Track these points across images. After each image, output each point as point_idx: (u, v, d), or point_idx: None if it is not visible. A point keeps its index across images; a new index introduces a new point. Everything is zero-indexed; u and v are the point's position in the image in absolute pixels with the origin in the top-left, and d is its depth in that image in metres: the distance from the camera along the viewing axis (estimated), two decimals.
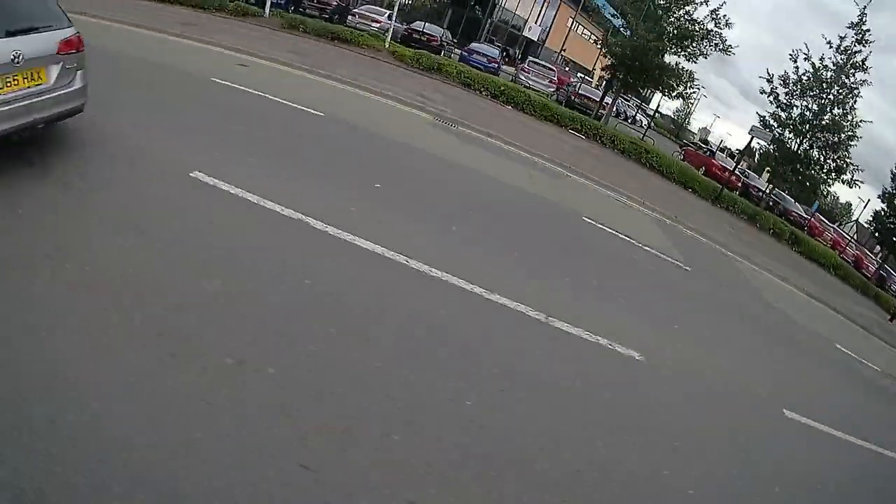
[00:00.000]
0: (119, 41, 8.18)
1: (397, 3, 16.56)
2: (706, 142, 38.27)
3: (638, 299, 5.51)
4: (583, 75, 30.13)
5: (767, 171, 19.95)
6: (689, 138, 38.45)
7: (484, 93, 14.02)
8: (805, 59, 15.50)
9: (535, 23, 36.81)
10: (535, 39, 37.20)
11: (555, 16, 37.33)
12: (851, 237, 23.11)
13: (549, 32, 37.08)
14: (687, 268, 7.38)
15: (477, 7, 31.01)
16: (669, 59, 16.38)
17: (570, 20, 36.94)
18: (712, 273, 8.14)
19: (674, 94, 16.99)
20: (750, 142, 16.32)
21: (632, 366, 3.97)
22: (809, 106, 15.79)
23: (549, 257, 5.62)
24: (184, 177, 4.02)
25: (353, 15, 18.37)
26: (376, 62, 13.67)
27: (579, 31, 39.48)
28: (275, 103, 7.05)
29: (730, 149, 39.86)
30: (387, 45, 15.52)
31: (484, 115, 11.54)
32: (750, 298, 7.92)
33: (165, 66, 7.49)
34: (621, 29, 18.74)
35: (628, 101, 20.81)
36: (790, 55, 15.79)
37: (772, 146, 16.60)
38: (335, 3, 18.58)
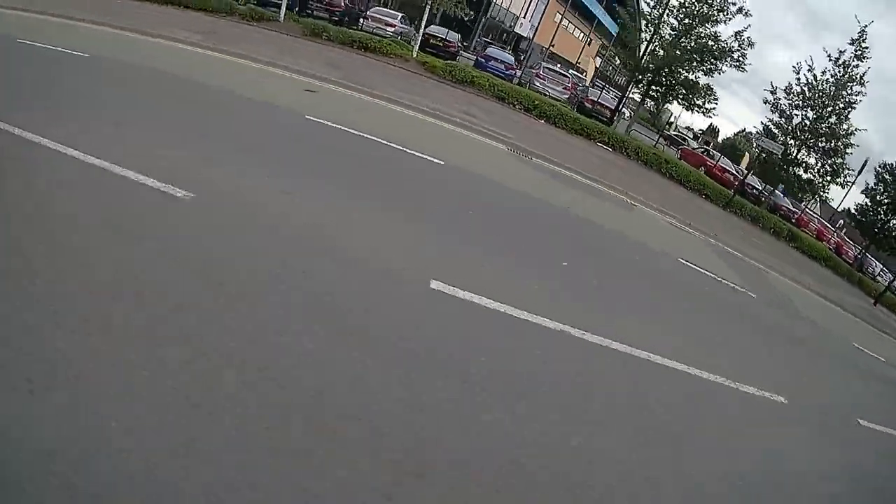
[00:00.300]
0: (154, 57, 7.90)
1: (428, 8, 15.17)
2: (675, 126, 38.30)
3: (745, 337, 5.87)
4: (578, 74, 29.88)
5: (749, 162, 20.68)
6: (664, 126, 38.30)
7: (517, 106, 13.84)
8: (808, 70, 16.00)
9: (526, 19, 36.19)
10: (526, 36, 36.52)
11: (544, 11, 36.69)
12: (833, 226, 23.97)
13: (537, 29, 36.80)
14: (752, 294, 7.58)
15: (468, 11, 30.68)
16: (690, 74, 16.46)
17: (558, 16, 36.70)
18: (765, 294, 8.21)
19: (696, 109, 17.09)
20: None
21: (781, 410, 4.29)
22: (808, 115, 16.26)
23: (700, 318, 5.74)
24: (424, 287, 3.61)
25: (366, 18, 17.36)
26: (413, 76, 13.20)
27: (563, 24, 39.25)
28: (393, 150, 6.46)
29: (696, 133, 39.93)
30: (414, 55, 14.84)
31: (556, 146, 11.32)
32: (790, 314, 8.13)
33: (236, 95, 6.85)
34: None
35: (606, 90, 21.00)
36: (793, 67, 16.46)
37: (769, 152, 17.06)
38: (343, 6, 17.50)
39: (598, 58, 46.11)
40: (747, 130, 52.15)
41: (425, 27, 15.95)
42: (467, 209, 5.60)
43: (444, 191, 5.95)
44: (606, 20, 41.40)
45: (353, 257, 3.65)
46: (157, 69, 7.20)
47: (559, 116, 13.91)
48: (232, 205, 3.79)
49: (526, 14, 35.87)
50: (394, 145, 6.58)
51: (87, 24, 9.31)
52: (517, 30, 35.96)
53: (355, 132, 6.58)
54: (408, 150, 6.55)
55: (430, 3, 14.92)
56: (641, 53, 17.17)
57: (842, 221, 25.87)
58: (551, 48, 34.47)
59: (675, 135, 30.57)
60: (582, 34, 42.58)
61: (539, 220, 6.41)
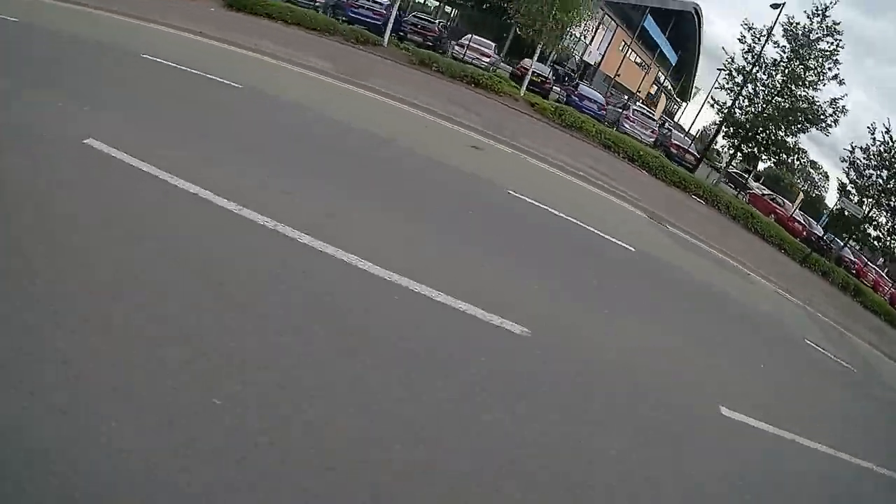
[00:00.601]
0: (297, 90, 7.54)
1: (540, 49, 14.82)
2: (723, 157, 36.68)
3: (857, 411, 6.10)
4: (646, 108, 28.15)
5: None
6: (716, 161, 37.08)
7: (621, 155, 13.55)
8: (886, 131, 15.51)
9: (595, 48, 35.09)
10: (592, 64, 35.58)
11: (611, 40, 35.62)
12: (872, 264, 23.47)
13: (603, 57, 35.48)
14: (854, 369, 7.27)
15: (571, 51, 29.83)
16: (786, 136, 15.92)
17: (623, 44, 35.17)
18: (860, 367, 7.83)
19: (786, 168, 16.67)
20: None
21: None
22: (882, 174, 15.76)
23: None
24: (715, 413, 3.69)
25: (461, 46, 16.52)
26: (524, 116, 12.65)
27: (626, 53, 37.96)
28: (591, 235, 6.36)
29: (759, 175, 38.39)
30: (522, 94, 14.17)
31: (670, 205, 11.01)
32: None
33: (418, 155, 6.54)
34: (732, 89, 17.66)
35: (653, 118, 20.80)
36: (868, 127, 16.00)
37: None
38: (437, 32, 16.76)
39: (654, 86, 45.24)
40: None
41: (531, 66, 15.66)
42: (695, 310, 5.95)
43: (670, 289, 6.18)
44: (668, 50, 40.01)
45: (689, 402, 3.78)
46: (319, 111, 6.96)
47: (660, 168, 13.94)
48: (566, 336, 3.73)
49: (592, 41, 34.94)
50: (589, 228, 6.48)
51: (197, 36, 8.97)
52: (586, 58, 34.95)
53: (551, 210, 6.43)
54: (603, 235, 6.46)
55: (542, 43, 14.78)
56: (729, 104, 16.69)
57: (882, 260, 25.51)
58: (616, 78, 34.08)
59: (735, 173, 27.88)
60: (642, 62, 41.91)
61: (732, 314, 6.64)
